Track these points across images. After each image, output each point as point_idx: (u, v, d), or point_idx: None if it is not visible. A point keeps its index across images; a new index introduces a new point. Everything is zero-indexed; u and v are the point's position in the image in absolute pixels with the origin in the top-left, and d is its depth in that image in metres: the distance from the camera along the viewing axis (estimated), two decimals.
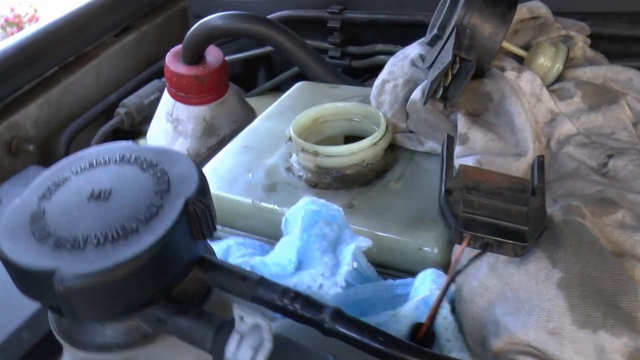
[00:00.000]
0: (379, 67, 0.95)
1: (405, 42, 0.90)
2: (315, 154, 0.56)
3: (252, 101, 1.01)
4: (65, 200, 0.40)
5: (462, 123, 0.56)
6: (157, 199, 0.39)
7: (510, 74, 0.59)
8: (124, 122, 0.94)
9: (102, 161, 0.43)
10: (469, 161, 0.52)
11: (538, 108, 0.59)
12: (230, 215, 0.59)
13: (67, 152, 0.90)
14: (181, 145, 0.86)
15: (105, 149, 0.45)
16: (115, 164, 0.43)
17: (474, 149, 0.55)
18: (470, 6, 0.56)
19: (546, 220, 0.42)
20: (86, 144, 0.92)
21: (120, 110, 0.93)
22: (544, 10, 0.67)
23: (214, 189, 0.60)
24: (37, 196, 0.41)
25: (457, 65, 0.54)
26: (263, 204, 0.57)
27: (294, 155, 0.60)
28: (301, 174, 0.59)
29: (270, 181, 0.59)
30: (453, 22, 0.57)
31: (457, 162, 0.54)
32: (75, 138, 0.91)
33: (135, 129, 0.96)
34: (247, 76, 1.09)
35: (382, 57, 0.91)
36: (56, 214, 0.39)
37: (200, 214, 0.39)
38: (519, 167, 0.52)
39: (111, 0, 1.00)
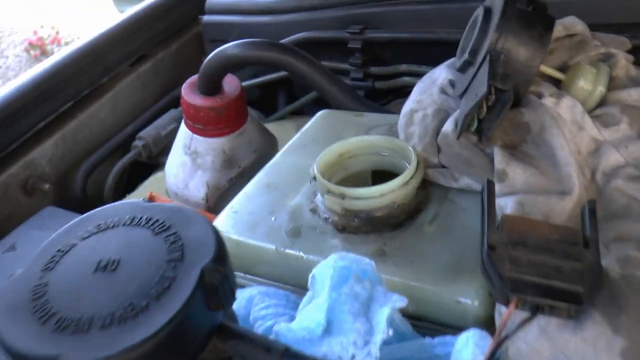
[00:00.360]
0: (403, 88, 0.92)
1: (428, 60, 0.86)
2: (342, 196, 0.52)
3: (272, 126, 0.98)
4: (70, 271, 0.37)
5: (499, 157, 0.52)
6: (170, 269, 0.36)
7: (548, 101, 0.55)
8: (141, 155, 0.91)
9: (111, 224, 0.40)
10: (510, 203, 0.48)
11: (580, 137, 0.54)
12: (252, 261, 0.55)
13: (84, 189, 0.88)
14: (200, 178, 0.83)
15: (115, 209, 0.42)
16: (125, 227, 0.40)
17: (514, 187, 0.50)
18: (504, 29, 0.52)
19: (603, 276, 0.38)
20: (103, 180, 0.89)
21: (138, 143, 0.91)
22: (580, 27, 0.62)
23: (234, 233, 0.57)
24: (40, 267, 0.38)
25: (493, 97, 0.50)
26: (287, 250, 0.53)
27: (318, 195, 0.56)
28: (327, 216, 0.55)
29: (294, 224, 0.55)
30: (485, 47, 0.53)
31: (497, 202, 0.50)
32: (92, 174, 0.89)
33: (153, 161, 0.93)
34: (266, 100, 1.06)
35: (406, 78, 0.87)
36: (60, 288, 0.36)
37: (219, 285, 0.35)
38: (564, 208, 0.47)
39: (127, 29, 0.98)
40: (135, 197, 0.87)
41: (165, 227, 0.39)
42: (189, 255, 0.36)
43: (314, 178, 0.56)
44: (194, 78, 0.81)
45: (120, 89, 0.95)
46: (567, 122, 0.54)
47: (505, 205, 0.48)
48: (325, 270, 0.42)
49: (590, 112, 0.57)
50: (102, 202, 0.90)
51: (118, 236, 0.39)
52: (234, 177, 0.83)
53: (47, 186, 0.83)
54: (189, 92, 0.80)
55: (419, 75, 0.86)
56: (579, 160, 0.53)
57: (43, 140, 0.84)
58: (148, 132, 0.92)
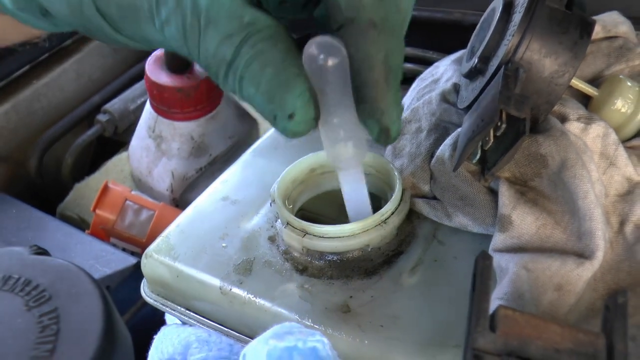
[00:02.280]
0: (406, 74, 0.80)
1: (436, 45, 0.74)
2: (303, 233, 0.42)
3: None
4: None
5: (505, 199, 0.41)
6: None
7: (574, 126, 0.43)
8: (105, 131, 0.81)
9: None
10: (512, 266, 0.38)
11: (610, 175, 0.43)
12: (193, 296, 0.46)
13: (40, 169, 0.78)
14: (164, 166, 0.73)
15: None
16: None
17: (520, 239, 0.40)
18: (528, 32, 0.40)
19: None
20: (62, 157, 0.79)
21: (101, 118, 0.80)
22: (624, 28, 0.50)
23: (175, 260, 0.47)
24: None
25: (504, 125, 0.38)
26: (234, 290, 0.43)
27: (279, 221, 0.46)
28: (288, 249, 0.45)
29: (247, 256, 0.45)
30: (500, 54, 0.41)
31: (495, 257, 0.39)
32: (48, 151, 0.79)
33: (119, 138, 0.83)
34: None
35: (409, 65, 0.75)
36: None
37: None
38: (580, 277, 0.37)
39: None
40: (96, 180, 0.78)
41: (43, 299, 0.29)
42: (61, 350, 0.27)
43: (274, 200, 0.46)
44: (162, 51, 0.69)
45: (87, 52, 0.83)
46: (595, 154, 0.43)
47: (507, 268, 0.38)
48: (259, 358, 0.32)
49: (625, 141, 0.46)
50: (60, 184, 0.80)
51: None
52: (204, 166, 0.73)
53: None
54: (153, 68, 0.69)
55: (424, 61, 0.74)
56: (605, 205, 0.42)
57: None
58: (114, 105, 0.81)
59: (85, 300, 0.29)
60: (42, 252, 0.33)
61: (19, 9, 0.34)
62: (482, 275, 0.30)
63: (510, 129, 0.39)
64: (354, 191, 0.40)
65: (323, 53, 0.31)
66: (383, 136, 0.33)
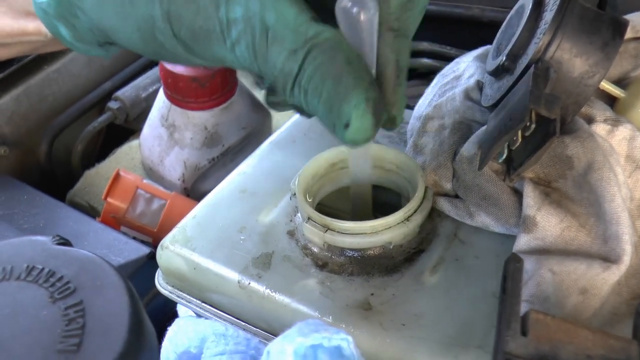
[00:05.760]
0: (423, 69, 0.79)
1: (454, 41, 0.73)
2: (325, 228, 0.42)
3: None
4: None
5: (529, 200, 0.40)
6: None
7: (600, 128, 0.43)
8: (116, 119, 0.80)
9: (2, 273, 0.30)
10: (537, 269, 0.37)
11: (636, 178, 0.42)
12: (210, 290, 0.45)
13: (50, 155, 0.78)
14: (177, 156, 0.72)
15: (14, 250, 0.31)
16: (17, 281, 0.30)
17: (544, 241, 0.39)
18: (560, 31, 0.39)
19: None
20: (72, 145, 0.79)
21: (112, 105, 0.79)
22: None
23: (192, 252, 0.47)
24: None
25: (533, 126, 0.38)
26: (252, 284, 0.43)
27: (299, 215, 0.46)
28: (306, 244, 0.44)
29: (265, 250, 0.45)
30: (530, 53, 0.41)
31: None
32: (58, 137, 0.78)
33: (130, 126, 0.82)
34: None
35: (426, 60, 0.74)
36: None
37: None
38: (606, 281, 0.37)
39: None
40: (106, 168, 0.77)
41: (68, 292, 0.28)
42: (88, 345, 0.26)
43: (295, 194, 0.45)
44: None
45: None
46: (621, 157, 0.42)
47: (532, 270, 0.38)
48: (284, 355, 0.32)
49: None
50: (70, 171, 0.80)
51: (4, 295, 0.29)
52: (217, 156, 0.73)
53: (4, 149, 0.73)
54: None
55: (442, 57, 0.74)
56: (630, 209, 0.41)
57: (1, 95, 0.73)
58: (125, 93, 0.80)
59: (110, 292, 0.28)
60: (65, 242, 0.33)
61: (78, 40, 0.36)
62: (513, 277, 0.30)
63: (539, 129, 0.38)
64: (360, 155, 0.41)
65: (356, 6, 0.32)
66: (388, 124, 0.36)
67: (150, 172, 0.76)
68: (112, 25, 0.33)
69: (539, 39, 0.40)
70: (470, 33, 0.61)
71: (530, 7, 0.43)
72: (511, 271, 0.30)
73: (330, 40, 0.31)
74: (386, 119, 0.36)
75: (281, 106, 0.39)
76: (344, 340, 0.34)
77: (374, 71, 0.35)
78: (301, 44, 0.31)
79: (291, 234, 0.46)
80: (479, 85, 0.49)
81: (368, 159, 0.43)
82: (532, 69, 0.39)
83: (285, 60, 0.31)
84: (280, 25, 0.30)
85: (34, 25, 0.38)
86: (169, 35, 0.32)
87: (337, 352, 0.33)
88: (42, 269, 0.29)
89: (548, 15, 0.40)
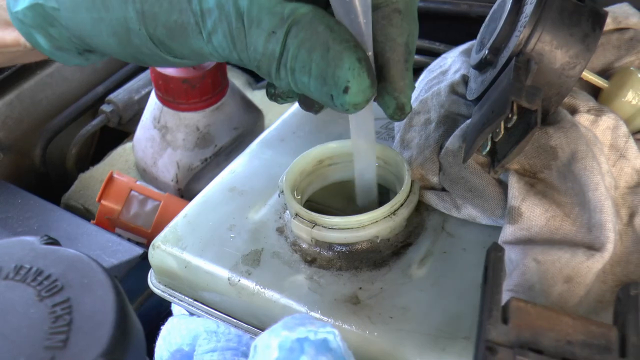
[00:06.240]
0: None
1: (442, 37, 0.74)
2: (312, 224, 0.42)
3: (262, 95, 0.87)
4: None
5: (514, 191, 0.41)
6: None
7: (584, 118, 0.43)
8: (109, 121, 0.81)
9: None
10: (522, 258, 0.38)
11: (620, 167, 0.43)
12: (201, 287, 0.46)
13: (44, 158, 0.78)
14: (170, 157, 0.72)
15: (3, 248, 0.32)
16: (5, 280, 0.30)
17: (529, 231, 0.40)
18: (540, 23, 0.40)
19: None
20: (67, 148, 0.79)
21: (106, 108, 0.80)
22: (635, 19, 0.50)
23: (183, 250, 0.47)
24: None
25: (515, 117, 0.38)
26: (242, 281, 0.43)
27: (287, 212, 0.46)
28: (296, 241, 0.45)
29: (255, 247, 0.45)
30: (511, 46, 0.41)
31: (506, 252, 0.39)
32: (52, 141, 0.78)
33: (124, 128, 0.83)
34: None
35: (415, 57, 0.74)
36: None
37: None
38: (590, 269, 0.37)
39: None
40: (101, 170, 0.78)
41: (55, 290, 0.29)
42: (75, 341, 0.27)
43: (282, 191, 0.45)
44: None
45: None
46: (605, 146, 0.43)
47: (516, 260, 0.38)
48: (268, 350, 0.32)
49: (635, 133, 0.46)
50: (64, 174, 0.80)
51: None
52: (209, 157, 0.73)
53: None
54: None
55: (431, 53, 0.74)
56: (614, 198, 0.42)
57: None
58: (118, 96, 0.81)
59: (97, 290, 0.29)
60: (53, 242, 0.33)
61: (56, 49, 0.36)
62: (494, 267, 0.30)
63: (521, 121, 0.38)
64: (363, 123, 0.39)
65: None
66: (398, 112, 0.35)
67: (144, 174, 0.76)
68: (88, 32, 0.33)
69: (520, 32, 0.40)
70: (459, 28, 0.61)
71: (511, 1, 0.43)
72: (492, 260, 0.30)
73: (308, 15, 0.30)
74: (394, 107, 0.35)
75: (283, 98, 0.39)
76: (330, 333, 0.34)
77: (370, 53, 0.34)
78: (278, 23, 0.30)
79: (280, 230, 0.46)
80: (465, 80, 0.50)
81: (372, 126, 0.40)
82: (513, 62, 0.39)
83: (265, 42, 0.30)
84: (254, 8, 0.30)
85: (12, 37, 0.38)
86: (144, 37, 0.32)
87: (324, 345, 0.34)
88: (30, 268, 0.30)
89: (528, 8, 0.41)
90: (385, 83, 0.35)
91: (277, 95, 0.38)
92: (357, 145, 0.42)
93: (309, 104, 0.42)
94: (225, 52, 0.32)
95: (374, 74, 0.32)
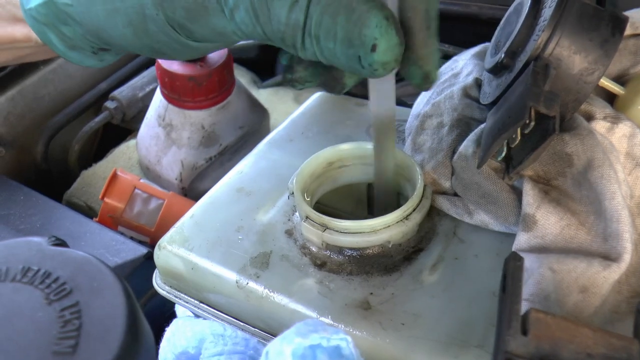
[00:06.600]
0: None
1: (452, 39, 0.73)
2: (324, 227, 0.41)
3: (267, 93, 0.86)
4: None
5: (529, 198, 0.40)
6: None
7: (600, 125, 0.43)
8: (113, 118, 0.80)
9: None
10: (536, 267, 0.37)
11: (636, 175, 0.42)
12: (208, 290, 0.45)
13: (46, 155, 0.77)
14: (174, 155, 0.72)
15: (9, 251, 0.31)
16: (12, 282, 0.29)
17: (544, 239, 0.39)
18: (559, 28, 0.39)
19: None
20: (69, 145, 0.78)
21: (109, 105, 0.79)
22: None
23: (190, 252, 0.46)
24: None
25: (532, 123, 0.38)
26: (250, 284, 0.43)
27: (297, 214, 0.45)
28: (306, 244, 0.44)
29: (263, 249, 0.45)
30: (529, 50, 0.41)
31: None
32: (55, 137, 0.78)
33: (127, 126, 0.82)
34: (265, 61, 0.93)
35: None
36: None
37: None
38: (607, 280, 0.36)
39: None
40: (104, 167, 0.77)
41: (64, 293, 0.28)
42: (84, 347, 0.26)
43: (292, 193, 0.45)
44: None
45: None
46: (620, 155, 0.42)
47: (531, 269, 0.37)
48: (283, 356, 0.31)
49: None
50: (67, 171, 0.79)
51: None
52: (214, 156, 0.72)
53: (0, 150, 0.72)
54: None
55: (440, 55, 0.74)
56: (630, 207, 0.41)
57: None
58: (122, 92, 0.80)
59: (107, 294, 0.28)
60: (61, 243, 0.32)
61: (70, 49, 0.35)
62: (513, 276, 0.30)
63: (538, 127, 0.38)
64: (384, 91, 0.38)
65: None
66: (424, 81, 0.34)
67: (148, 172, 0.75)
68: (103, 26, 0.33)
69: (538, 36, 0.40)
70: (468, 30, 0.60)
71: (529, 4, 0.42)
72: (511, 270, 0.30)
73: None
74: (421, 76, 0.34)
75: (301, 83, 0.38)
76: (342, 340, 0.33)
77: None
78: None
79: (289, 233, 0.46)
80: (478, 83, 0.49)
81: (392, 97, 0.38)
82: (531, 66, 0.39)
83: (288, 13, 0.30)
84: None
85: (23, 32, 0.37)
86: (161, 22, 0.31)
87: (336, 352, 0.33)
88: (38, 270, 0.29)
89: (547, 12, 0.40)
90: (408, 52, 0.34)
91: (295, 80, 0.37)
92: (378, 118, 0.40)
93: (331, 84, 0.40)
94: (248, 28, 0.31)
95: (402, 32, 0.31)
